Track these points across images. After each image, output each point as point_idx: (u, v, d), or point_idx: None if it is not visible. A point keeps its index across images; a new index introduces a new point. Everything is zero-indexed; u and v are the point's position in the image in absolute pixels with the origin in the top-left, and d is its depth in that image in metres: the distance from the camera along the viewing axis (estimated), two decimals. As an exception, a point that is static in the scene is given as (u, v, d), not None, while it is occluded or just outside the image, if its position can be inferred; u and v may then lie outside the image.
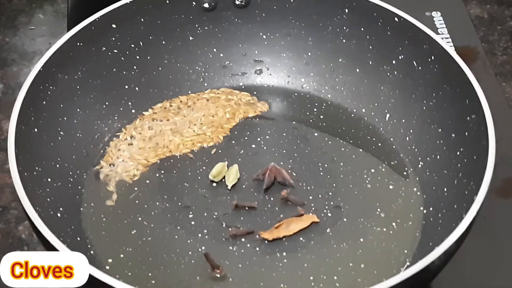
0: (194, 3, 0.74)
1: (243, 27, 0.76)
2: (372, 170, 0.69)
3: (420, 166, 0.68)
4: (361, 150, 0.71)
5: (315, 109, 0.74)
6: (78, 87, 0.69)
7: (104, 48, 0.70)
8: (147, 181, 0.68)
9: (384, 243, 0.63)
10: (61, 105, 0.67)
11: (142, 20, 0.72)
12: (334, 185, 0.68)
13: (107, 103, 0.71)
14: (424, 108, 0.69)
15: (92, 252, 0.62)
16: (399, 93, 0.71)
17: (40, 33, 0.90)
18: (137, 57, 0.73)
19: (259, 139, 0.72)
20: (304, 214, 0.65)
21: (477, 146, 0.60)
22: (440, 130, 0.67)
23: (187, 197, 0.67)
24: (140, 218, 0.65)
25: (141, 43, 0.73)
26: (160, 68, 0.74)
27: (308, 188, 0.67)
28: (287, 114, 0.75)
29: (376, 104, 0.73)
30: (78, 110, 0.69)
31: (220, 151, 0.71)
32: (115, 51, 0.71)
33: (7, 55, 0.87)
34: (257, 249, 0.63)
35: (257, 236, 0.63)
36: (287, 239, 0.63)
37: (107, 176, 0.68)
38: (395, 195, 0.67)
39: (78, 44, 0.68)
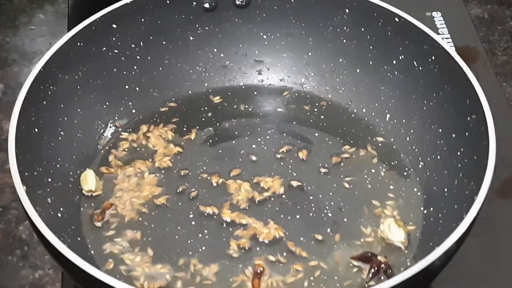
0: (194, 3, 0.74)
1: (243, 27, 0.76)
2: (372, 170, 0.69)
3: (420, 166, 0.68)
4: (361, 150, 0.71)
5: (315, 109, 0.74)
6: (78, 87, 0.69)
7: (104, 48, 0.70)
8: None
9: (384, 243, 0.63)
10: (62, 105, 0.67)
11: (142, 20, 0.72)
12: (334, 185, 0.68)
13: (107, 103, 0.71)
14: (424, 108, 0.69)
15: (92, 252, 0.62)
16: (399, 93, 0.71)
17: (40, 33, 0.90)
18: (137, 57, 0.73)
19: (259, 139, 0.72)
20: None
21: (478, 146, 0.60)
22: (440, 130, 0.67)
23: (187, 197, 0.67)
24: (140, 219, 0.65)
25: (141, 43, 0.73)
26: (160, 68, 0.74)
27: (309, 188, 0.67)
28: (287, 114, 0.75)
29: (376, 104, 0.73)
30: (78, 110, 0.69)
31: (220, 151, 0.71)
32: (115, 51, 0.71)
33: (7, 55, 0.87)
34: (258, 249, 0.63)
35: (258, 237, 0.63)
36: (287, 239, 0.63)
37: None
38: (395, 195, 0.67)
39: (78, 44, 0.68)
